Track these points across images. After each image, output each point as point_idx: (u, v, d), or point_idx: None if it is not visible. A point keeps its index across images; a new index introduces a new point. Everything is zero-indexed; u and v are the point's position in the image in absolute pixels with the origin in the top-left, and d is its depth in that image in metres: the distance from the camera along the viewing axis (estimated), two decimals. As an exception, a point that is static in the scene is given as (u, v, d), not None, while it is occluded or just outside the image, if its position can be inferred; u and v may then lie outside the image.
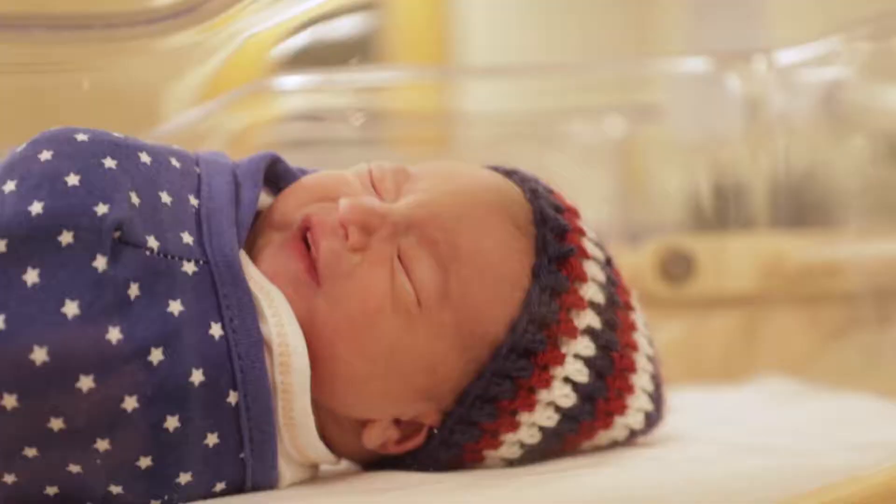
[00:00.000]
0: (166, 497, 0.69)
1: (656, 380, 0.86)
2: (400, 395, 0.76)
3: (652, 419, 0.85)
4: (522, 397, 0.77)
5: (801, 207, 1.69)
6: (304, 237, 0.75)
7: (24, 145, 0.70)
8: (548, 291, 0.77)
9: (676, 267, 1.49)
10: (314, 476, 0.78)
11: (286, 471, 0.74)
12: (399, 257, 0.75)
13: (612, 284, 0.82)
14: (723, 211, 1.78)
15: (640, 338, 0.84)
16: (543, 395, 0.77)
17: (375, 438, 0.77)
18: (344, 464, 0.81)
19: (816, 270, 1.49)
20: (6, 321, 0.63)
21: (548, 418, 0.78)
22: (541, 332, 0.76)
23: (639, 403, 0.83)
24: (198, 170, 0.76)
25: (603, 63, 1.94)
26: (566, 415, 0.79)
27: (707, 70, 1.63)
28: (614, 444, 0.84)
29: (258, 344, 0.70)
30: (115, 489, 0.67)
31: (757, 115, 1.63)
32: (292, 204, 0.78)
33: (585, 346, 0.78)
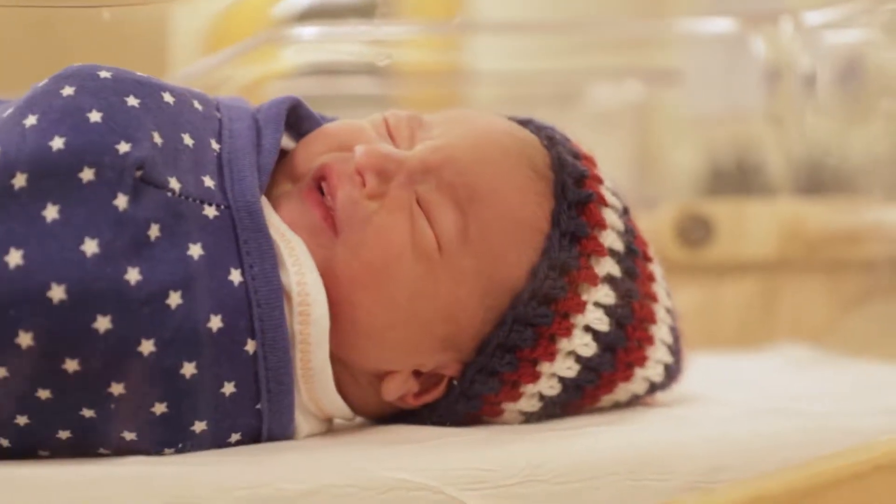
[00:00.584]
0: (180, 445, 0.67)
1: (675, 332, 0.84)
2: (420, 344, 0.74)
3: (671, 372, 0.84)
4: (543, 346, 0.75)
5: (822, 174, 1.66)
6: (320, 186, 0.74)
7: (45, 80, 0.69)
8: (567, 237, 0.76)
9: (694, 231, 1.46)
10: (329, 429, 0.77)
11: (303, 423, 0.73)
12: (418, 203, 0.73)
13: (630, 233, 0.80)
14: (742, 178, 1.75)
15: (658, 289, 0.82)
16: (564, 344, 0.76)
17: (395, 390, 0.76)
18: (358, 419, 0.79)
19: (837, 237, 1.47)
20: (25, 257, 0.62)
21: (568, 368, 0.76)
22: (561, 279, 0.75)
23: (658, 355, 0.81)
24: (218, 114, 0.75)
25: (622, 22, 1.91)
26: (586, 365, 0.77)
27: (730, 32, 1.59)
28: (633, 400, 0.83)
29: (277, 292, 0.68)
30: (129, 435, 0.66)
31: (780, 80, 1.60)
32: (309, 153, 0.76)
33: (606, 294, 0.77)
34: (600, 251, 0.76)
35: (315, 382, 0.71)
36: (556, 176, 0.77)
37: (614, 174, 0.82)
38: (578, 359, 0.77)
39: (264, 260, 0.69)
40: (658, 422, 0.78)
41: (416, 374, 0.76)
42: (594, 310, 0.76)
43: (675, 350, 0.84)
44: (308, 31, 1.45)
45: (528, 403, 0.77)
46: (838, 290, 1.45)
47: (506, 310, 0.74)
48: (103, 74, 0.69)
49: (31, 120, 0.65)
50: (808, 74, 1.52)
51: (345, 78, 1.74)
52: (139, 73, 0.71)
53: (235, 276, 0.67)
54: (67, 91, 0.67)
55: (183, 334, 0.64)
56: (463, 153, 0.75)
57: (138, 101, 0.68)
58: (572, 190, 0.76)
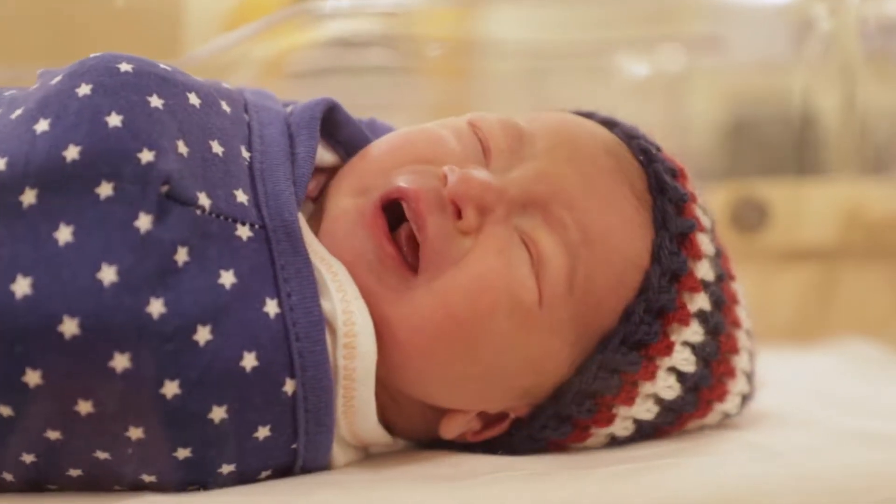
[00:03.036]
0: (205, 484, 0.60)
1: (752, 357, 0.77)
2: (497, 393, 0.67)
3: (746, 401, 0.77)
4: (626, 391, 0.68)
5: (880, 149, 1.56)
6: (384, 208, 0.64)
7: (59, 77, 0.61)
8: (668, 276, 0.67)
9: (749, 216, 1.38)
10: (365, 455, 0.70)
11: (339, 455, 0.66)
12: (522, 242, 0.64)
13: (719, 255, 0.73)
14: (793, 153, 1.66)
15: (741, 312, 0.75)
16: (647, 388, 0.68)
17: (456, 429, 0.68)
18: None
19: (901, 222, 1.38)
20: (33, 285, 0.54)
21: (647, 411, 0.69)
22: (657, 322, 0.67)
23: (738, 388, 0.74)
24: (247, 117, 0.66)
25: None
26: (667, 407, 0.70)
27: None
28: (703, 428, 0.75)
29: (319, 324, 0.60)
30: (148, 478, 0.59)
31: (829, 48, 1.50)
32: (377, 163, 0.66)
33: (695, 332, 0.69)
34: (696, 287, 0.69)
35: (356, 417, 0.64)
36: (656, 202, 0.69)
37: None
38: (659, 401, 0.69)
39: (304, 287, 0.61)
40: (737, 453, 0.70)
41: (482, 413, 0.69)
42: (682, 350, 0.69)
43: (752, 377, 0.77)
44: (329, 4, 1.37)
45: (596, 442, 0.70)
46: (902, 279, 1.36)
47: (591, 353, 0.67)
48: (123, 68, 0.61)
49: (42, 125, 0.58)
50: (860, 44, 1.42)
51: (364, 50, 1.66)
52: (163, 66, 0.63)
53: (272, 307, 0.59)
54: (84, 90, 0.59)
55: (212, 375, 0.57)
56: (571, 183, 0.65)
57: (162, 101, 0.60)
58: (674, 220, 0.68)
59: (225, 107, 0.65)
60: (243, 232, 0.60)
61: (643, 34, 1.86)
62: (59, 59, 0.65)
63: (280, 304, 0.59)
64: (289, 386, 0.59)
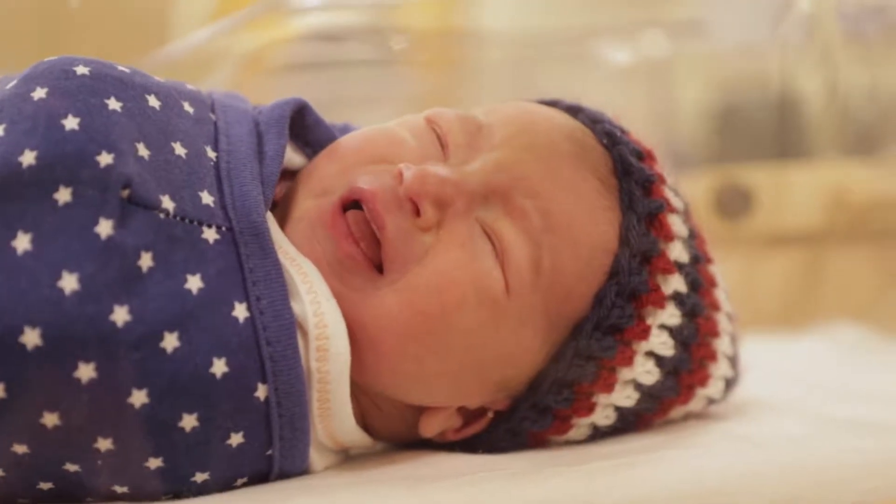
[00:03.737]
0: (179, 493, 0.59)
1: (735, 340, 0.76)
2: (473, 387, 0.66)
3: (730, 386, 0.76)
4: (603, 378, 0.67)
5: (863, 131, 1.55)
6: (345, 208, 0.63)
7: (14, 81, 0.59)
8: (638, 258, 0.66)
9: (733, 202, 1.37)
10: (345, 459, 0.69)
11: (317, 459, 0.64)
12: (484, 234, 0.63)
13: (693, 237, 0.71)
14: (777, 137, 1.65)
15: (720, 294, 0.74)
16: (625, 374, 0.67)
17: (435, 427, 0.67)
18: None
19: (886, 204, 1.37)
20: None
21: (627, 398, 0.68)
22: (629, 305, 0.66)
23: (721, 371, 0.73)
24: (213, 117, 0.65)
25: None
26: (647, 393, 0.69)
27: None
28: (688, 416, 0.74)
29: (290, 327, 0.59)
30: (120, 489, 0.58)
31: (809, 30, 1.49)
32: (335, 166, 0.65)
33: (671, 315, 0.68)
34: (669, 269, 0.67)
35: (333, 420, 0.63)
36: (622, 184, 0.67)
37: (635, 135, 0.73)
38: (639, 387, 0.68)
39: (273, 290, 0.59)
40: (721, 444, 0.68)
41: (461, 409, 0.67)
42: (659, 333, 0.67)
43: (735, 361, 0.76)
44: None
45: (577, 433, 0.69)
46: (888, 261, 1.36)
47: (565, 341, 0.66)
48: (80, 71, 0.59)
49: None
50: (842, 23, 1.42)
51: (347, 43, 1.64)
52: (121, 68, 0.62)
53: (240, 312, 0.58)
54: (38, 94, 0.58)
55: (181, 382, 0.55)
56: (532, 171, 0.64)
57: (120, 104, 0.59)
58: (641, 201, 0.67)
59: (188, 108, 0.63)
60: (210, 235, 0.59)
61: (626, 20, 1.85)
62: (45, 53, 0.64)
63: (249, 308, 0.58)
64: (261, 391, 0.58)
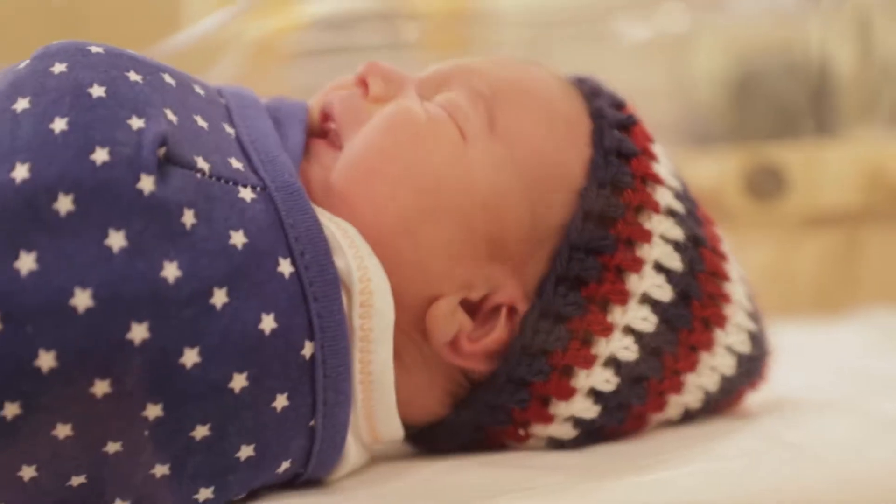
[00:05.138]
0: (221, 481, 0.56)
1: (754, 306, 0.71)
2: (460, 243, 0.62)
3: (758, 344, 0.70)
4: (609, 281, 0.63)
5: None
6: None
7: (26, 61, 0.58)
8: (614, 153, 0.65)
9: (765, 181, 1.31)
10: (369, 461, 0.65)
11: (352, 449, 0.61)
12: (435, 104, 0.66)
13: (693, 217, 0.68)
14: (805, 110, 1.58)
15: (726, 250, 0.70)
16: (634, 283, 0.63)
17: (443, 324, 0.62)
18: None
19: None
20: (39, 260, 0.50)
21: (643, 319, 0.64)
22: (615, 197, 0.64)
23: (738, 319, 0.68)
24: (223, 100, 0.64)
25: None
26: (662, 316, 0.64)
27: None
28: (718, 398, 0.69)
29: (335, 281, 0.58)
30: (161, 469, 0.54)
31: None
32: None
33: (671, 227, 0.65)
34: (655, 177, 0.65)
35: (374, 391, 0.60)
36: (594, 123, 0.67)
37: (658, 113, 0.70)
38: (655, 306, 0.64)
39: (316, 245, 0.58)
40: (763, 452, 0.63)
41: (466, 304, 0.63)
42: (662, 244, 0.64)
43: (758, 321, 0.71)
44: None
45: (602, 378, 0.64)
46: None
47: (560, 241, 0.63)
48: (94, 50, 0.59)
49: (22, 104, 0.54)
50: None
51: (357, 29, 1.61)
52: (132, 51, 0.61)
53: (286, 267, 0.56)
54: (59, 68, 0.56)
55: (231, 339, 0.53)
56: (485, 67, 0.67)
57: (140, 76, 0.58)
58: (612, 114, 0.67)
59: (199, 90, 0.63)
60: (246, 194, 0.57)
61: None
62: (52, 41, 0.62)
63: (294, 263, 0.57)
64: (307, 349, 0.56)
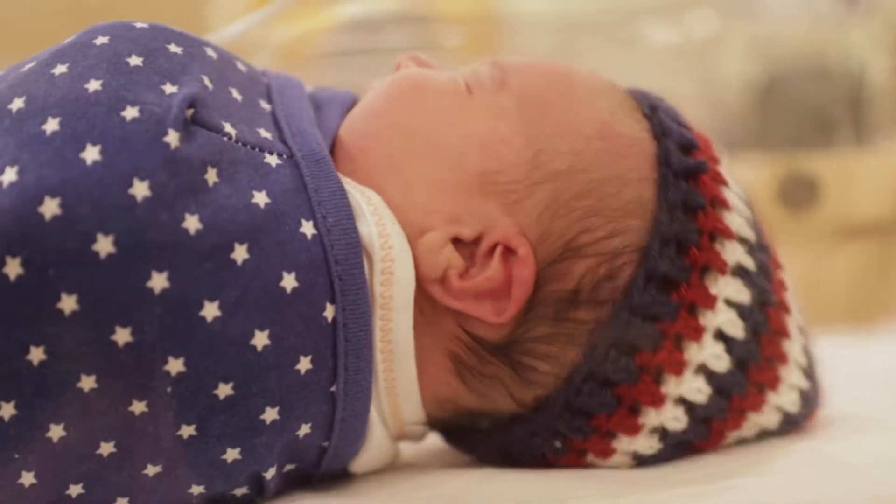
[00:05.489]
0: (244, 444, 0.56)
1: (810, 357, 0.69)
2: (450, 178, 0.61)
3: (808, 402, 0.68)
4: (667, 350, 0.60)
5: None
6: None
7: (71, 37, 0.60)
8: (679, 209, 0.62)
9: (798, 191, 1.29)
10: (396, 458, 0.64)
11: (375, 428, 0.61)
12: None
13: (759, 231, 0.65)
14: (838, 118, 1.56)
15: (791, 301, 0.67)
16: (692, 353, 0.61)
17: (431, 259, 0.60)
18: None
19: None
20: (62, 205, 0.51)
21: (697, 390, 0.61)
22: (680, 258, 0.61)
23: (793, 378, 0.66)
24: (265, 79, 0.66)
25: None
26: (717, 387, 0.62)
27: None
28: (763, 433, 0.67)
29: (357, 246, 0.58)
30: (187, 429, 0.54)
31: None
32: None
33: (738, 290, 0.62)
34: (726, 232, 0.61)
35: (394, 361, 0.59)
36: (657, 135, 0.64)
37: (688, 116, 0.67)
38: (711, 377, 0.61)
39: (339, 209, 0.58)
40: (802, 466, 0.62)
41: (457, 242, 0.61)
42: (726, 309, 0.61)
43: (812, 376, 0.68)
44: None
45: (647, 444, 0.62)
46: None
47: (619, 301, 0.60)
48: (139, 25, 0.60)
49: (60, 69, 0.56)
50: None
51: (387, 31, 1.61)
52: (178, 28, 0.62)
53: (308, 229, 0.57)
54: (101, 40, 0.58)
55: (253, 295, 0.54)
56: (539, 84, 0.65)
57: (181, 48, 0.59)
58: (678, 156, 0.62)
59: (240, 66, 0.64)
60: (272, 160, 0.58)
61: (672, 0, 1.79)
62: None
63: (316, 226, 0.57)
64: (329, 311, 0.56)
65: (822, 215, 1.32)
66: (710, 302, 0.61)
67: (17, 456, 0.52)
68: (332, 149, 0.63)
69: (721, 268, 0.61)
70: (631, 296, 0.60)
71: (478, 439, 0.65)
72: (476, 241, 0.61)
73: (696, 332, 0.61)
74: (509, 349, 0.61)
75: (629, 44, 1.84)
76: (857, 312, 1.24)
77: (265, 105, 0.62)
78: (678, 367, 0.61)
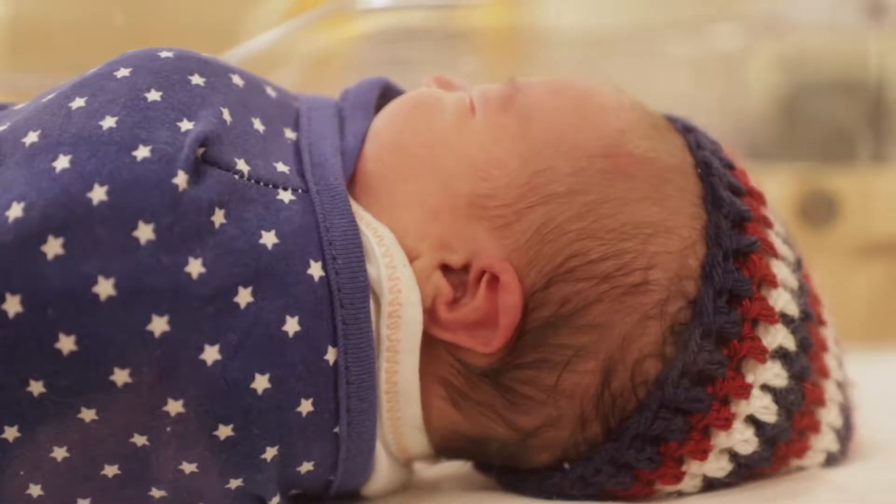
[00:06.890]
0: (246, 477, 0.56)
1: (845, 412, 0.68)
2: (435, 196, 0.61)
3: (832, 460, 0.67)
4: (694, 441, 0.60)
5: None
6: None
7: (95, 68, 0.60)
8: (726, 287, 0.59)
9: (817, 208, 1.29)
10: (408, 482, 0.64)
11: (382, 461, 0.60)
12: None
13: (804, 293, 0.63)
14: (861, 134, 1.56)
15: (830, 360, 0.66)
16: (721, 440, 0.60)
17: (420, 286, 0.59)
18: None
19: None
20: (65, 246, 0.51)
21: (720, 469, 0.61)
22: (719, 351, 0.59)
23: (822, 444, 0.65)
24: (296, 104, 0.65)
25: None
26: (742, 464, 0.61)
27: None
28: None
29: (364, 290, 0.57)
30: (188, 467, 0.55)
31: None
32: None
33: (776, 374, 0.60)
34: (770, 318, 0.59)
35: (399, 402, 0.59)
36: (709, 213, 0.60)
37: (708, 129, 0.65)
38: (734, 457, 0.61)
39: (350, 251, 0.57)
40: (809, 492, 0.62)
41: (446, 269, 0.60)
42: (761, 396, 0.60)
43: (844, 436, 0.67)
44: (377, -1, 1.34)
45: (691, 484, 0.62)
46: None
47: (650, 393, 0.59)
48: (164, 55, 0.60)
49: (78, 102, 0.56)
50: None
51: (414, 43, 1.62)
52: (205, 54, 0.62)
53: (316, 270, 0.56)
54: (122, 73, 0.58)
55: (254, 339, 0.54)
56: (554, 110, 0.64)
57: (203, 79, 0.59)
58: (727, 234, 0.60)
59: (270, 91, 0.64)
60: (285, 196, 0.58)
61: (695, 14, 1.79)
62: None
63: (325, 268, 0.56)
64: (330, 355, 0.56)
65: (842, 232, 1.31)
66: (744, 392, 0.59)
67: (22, 472, 0.54)
68: (355, 171, 0.62)
69: (760, 357, 0.59)
70: (664, 390, 0.58)
71: (529, 481, 0.63)
72: (465, 267, 0.60)
73: (727, 423, 0.59)
74: (499, 375, 0.60)
75: (655, 57, 1.84)
76: (876, 330, 1.24)
77: (290, 134, 0.62)
78: (703, 455, 0.60)
